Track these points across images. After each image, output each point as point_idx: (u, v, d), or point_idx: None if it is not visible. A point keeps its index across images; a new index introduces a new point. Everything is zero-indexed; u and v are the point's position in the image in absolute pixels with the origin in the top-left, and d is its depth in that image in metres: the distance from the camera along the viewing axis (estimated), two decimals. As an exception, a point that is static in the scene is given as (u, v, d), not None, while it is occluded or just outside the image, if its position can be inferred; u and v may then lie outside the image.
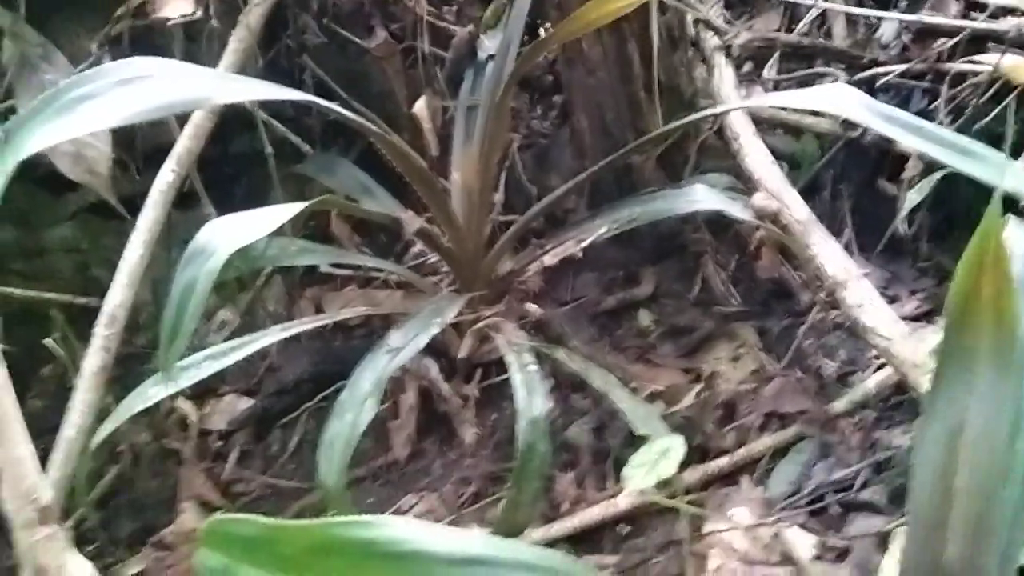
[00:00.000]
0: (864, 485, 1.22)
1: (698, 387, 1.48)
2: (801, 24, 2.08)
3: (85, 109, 0.94)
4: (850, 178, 1.79)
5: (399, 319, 1.66)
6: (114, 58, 1.57)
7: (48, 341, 1.50)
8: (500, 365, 1.60)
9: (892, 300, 1.59)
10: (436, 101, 1.78)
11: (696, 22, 1.82)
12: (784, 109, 1.85)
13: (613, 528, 1.32)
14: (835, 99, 1.07)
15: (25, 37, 1.56)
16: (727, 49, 1.76)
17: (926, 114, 1.66)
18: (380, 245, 1.86)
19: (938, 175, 1.54)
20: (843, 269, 1.30)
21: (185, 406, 1.66)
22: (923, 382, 1.12)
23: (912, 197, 1.54)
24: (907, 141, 1.02)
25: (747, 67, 2.11)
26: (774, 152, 1.65)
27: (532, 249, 1.58)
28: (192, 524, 1.49)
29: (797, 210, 1.40)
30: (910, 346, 1.18)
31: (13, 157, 0.90)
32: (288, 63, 1.73)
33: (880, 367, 1.41)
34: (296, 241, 1.60)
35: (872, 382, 1.36)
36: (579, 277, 1.78)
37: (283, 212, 1.12)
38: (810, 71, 1.94)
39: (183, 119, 1.50)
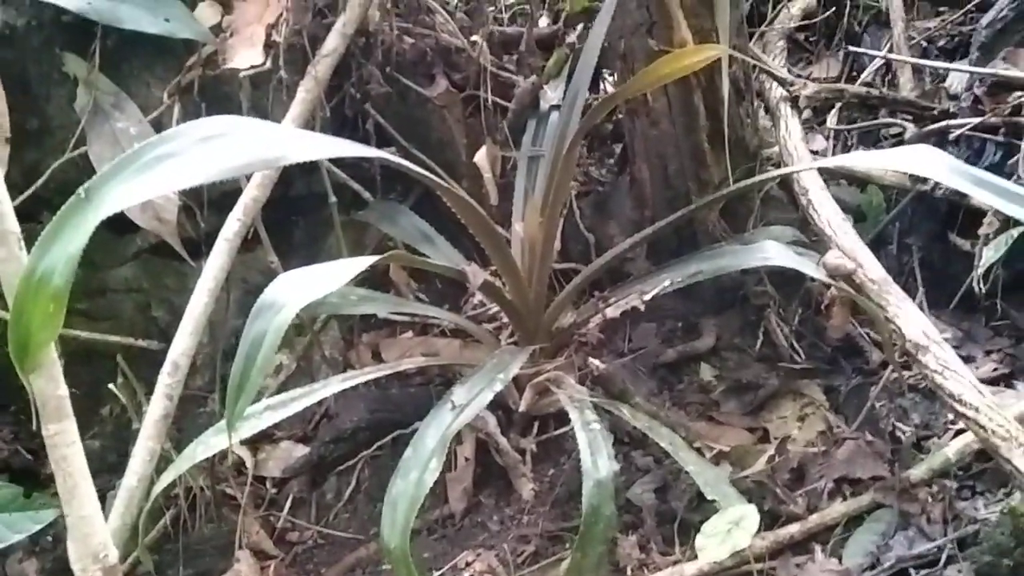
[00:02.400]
0: (949, 561, 1.16)
1: (765, 448, 1.43)
2: (865, 73, 2.04)
3: (166, 168, 0.94)
4: (919, 232, 1.74)
5: (458, 369, 1.64)
6: (184, 107, 1.60)
7: (112, 387, 1.51)
8: (558, 418, 1.58)
9: (967, 360, 1.53)
10: (496, 150, 1.77)
11: (761, 73, 1.79)
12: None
13: (679, 596, 1.28)
14: (922, 162, 1.04)
15: (98, 85, 1.59)
16: (794, 100, 1.73)
17: (999, 168, 1.61)
18: (437, 291, 1.85)
19: (1016, 231, 1.50)
20: (922, 332, 1.25)
21: (241, 451, 1.66)
22: (1015, 455, 1.08)
23: (989, 254, 1.49)
24: (1001, 206, 0.98)
25: (807, 114, 2.08)
26: (838, 203, 1.61)
27: (595, 302, 1.55)
28: (247, 574, 1.47)
29: (872, 269, 1.36)
30: (997, 416, 1.13)
31: (95, 215, 0.89)
32: (351, 110, 1.74)
33: (958, 433, 1.35)
34: (356, 290, 1.60)
35: (952, 449, 1.30)
36: (637, 327, 1.75)
37: (350, 267, 1.11)
38: (874, 122, 1.90)
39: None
